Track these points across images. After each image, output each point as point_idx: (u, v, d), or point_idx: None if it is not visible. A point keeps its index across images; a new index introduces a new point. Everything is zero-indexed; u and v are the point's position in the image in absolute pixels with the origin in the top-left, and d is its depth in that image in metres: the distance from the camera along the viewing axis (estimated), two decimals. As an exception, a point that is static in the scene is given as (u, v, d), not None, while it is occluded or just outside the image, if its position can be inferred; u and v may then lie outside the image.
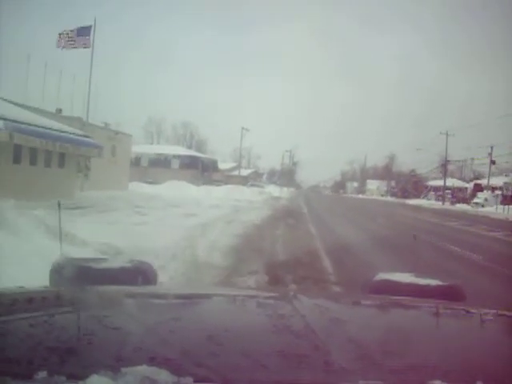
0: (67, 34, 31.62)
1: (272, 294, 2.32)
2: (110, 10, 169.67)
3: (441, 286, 2.19)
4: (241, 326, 1.53)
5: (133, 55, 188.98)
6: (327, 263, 11.82)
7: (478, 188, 78.39)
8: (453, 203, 70.14)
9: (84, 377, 0.95)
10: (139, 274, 2.21)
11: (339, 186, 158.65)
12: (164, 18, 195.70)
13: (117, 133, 37.62)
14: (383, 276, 2.32)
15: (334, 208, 41.86)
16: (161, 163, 67.13)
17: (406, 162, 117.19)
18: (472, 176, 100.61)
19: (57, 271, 2.18)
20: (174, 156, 68.57)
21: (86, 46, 31.34)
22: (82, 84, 32.41)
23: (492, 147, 67.85)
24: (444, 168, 72.11)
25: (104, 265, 2.28)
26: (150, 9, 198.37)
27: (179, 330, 1.45)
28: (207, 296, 2.14)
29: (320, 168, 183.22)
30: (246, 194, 45.43)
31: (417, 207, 55.02)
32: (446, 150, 70.76)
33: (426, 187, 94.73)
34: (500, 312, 1.91)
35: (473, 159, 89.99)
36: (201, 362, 1.11)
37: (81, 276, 2.06)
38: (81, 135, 23.85)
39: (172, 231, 14.04)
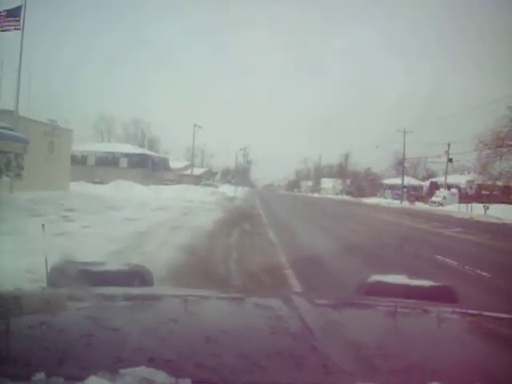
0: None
1: (270, 296, 2.27)
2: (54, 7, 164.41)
3: (434, 288, 2.17)
4: (239, 327, 1.50)
5: (83, 52, 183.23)
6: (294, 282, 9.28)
7: (434, 186, 77.32)
8: (412, 202, 68.29)
9: (82, 378, 0.95)
10: (136, 277, 2.20)
11: (293, 184, 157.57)
12: (106, 11, 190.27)
13: (54, 127, 33.85)
14: (376, 278, 2.27)
15: (291, 208, 38.99)
16: (109, 162, 63.22)
17: (360, 161, 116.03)
18: (425, 174, 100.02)
19: (55, 273, 2.13)
20: (123, 154, 64.58)
21: (16, 28, 27.72)
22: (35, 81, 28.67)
23: (449, 144, 66.28)
24: (402, 166, 70.02)
25: (101, 268, 2.23)
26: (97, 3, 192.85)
27: (178, 331, 1.42)
28: (206, 297, 2.06)
29: (274, 167, 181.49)
30: (198, 194, 42.14)
31: (376, 206, 52.75)
32: (403, 148, 68.96)
33: (382, 186, 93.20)
34: (494, 313, 1.96)
35: (426, 157, 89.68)
36: (199, 363, 1.10)
37: (79, 278, 2.02)
38: (4, 127, 20.18)
39: (97, 244, 10.93)
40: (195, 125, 72.54)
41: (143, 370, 0.97)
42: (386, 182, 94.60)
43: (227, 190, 58.56)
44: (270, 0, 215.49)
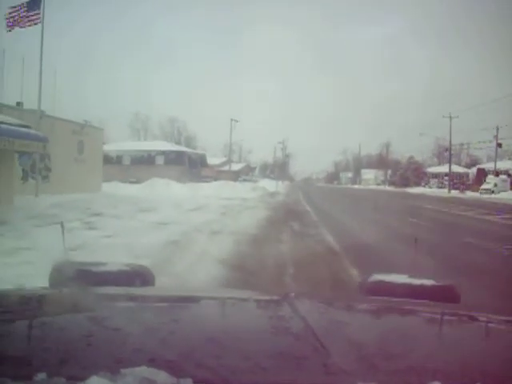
0: (17, 11, 25.67)
1: (271, 296, 2.15)
2: (88, 6, 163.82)
3: (436, 287, 2.12)
4: (240, 327, 1.49)
5: (118, 52, 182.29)
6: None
7: (482, 173, 73.27)
8: (462, 190, 64.42)
9: (83, 378, 0.94)
10: (137, 277, 2.16)
11: (333, 177, 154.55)
12: (149, 13, 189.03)
13: (84, 126, 31.50)
14: (378, 277, 2.20)
15: (338, 202, 35.90)
16: (144, 160, 61.11)
17: (402, 150, 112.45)
18: (469, 161, 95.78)
19: (56, 273, 2.12)
20: (159, 152, 62.29)
21: (36, 22, 25.40)
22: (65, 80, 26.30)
23: (498, 128, 62.33)
24: (449, 153, 65.98)
25: (103, 268, 2.19)
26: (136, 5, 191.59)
27: (179, 331, 1.42)
28: (207, 297, 2.04)
29: (311, 160, 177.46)
30: (238, 190, 39.47)
31: (424, 196, 49.26)
32: (450, 134, 64.75)
33: (425, 174, 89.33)
34: (497, 313, 1.97)
35: (469, 144, 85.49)
36: (200, 364, 1.10)
37: (80, 278, 1.98)
38: (16, 125, 17.65)
39: (115, 261, 8.27)
40: (232, 119, 70.00)
41: (144, 370, 0.96)
42: (430, 170, 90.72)
43: (267, 184, 55.55)
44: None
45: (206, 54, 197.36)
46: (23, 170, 25.64)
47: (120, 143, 69.17)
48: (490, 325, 1.77)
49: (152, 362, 1.04)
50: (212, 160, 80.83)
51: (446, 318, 1.85)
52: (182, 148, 70.55)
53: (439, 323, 1.81)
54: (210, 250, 11.03)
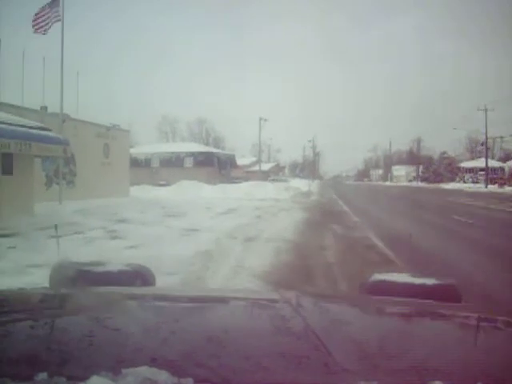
0: (42, 11, 24.55)
1: (272, 296, 2.08)
2: (114, 10, 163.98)
3: (437, 286, 2.09)
4: (241, 327, 1.46)
5: (143, 53, 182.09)
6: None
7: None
8: (501, 185, 61.90)
9: (84, 378, 0.93)
10: (138, 277, 2.17)
11: (363, 174, 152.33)
12: (168, 15, 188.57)
13: (109, 128, 30.31)
14: (379, 276, 2.18)
15: (375, 200, 33.60)
16: (173, 163, 59.77)
17: (431, 146, 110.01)
18: (502, 155, 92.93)
19: (57, 274, 2.14)
20: (187, 154, 60.76)
21: (57, 19, 24.25)
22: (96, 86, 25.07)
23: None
24: (485, 147, 63.33)
25: (103, 268, 2.18)
26: (154, 7, 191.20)
27: (180, 331, 1.38)
28: (208, 297, 2.00)
29: (340, 158, 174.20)
30: (269, 190, 37.88)
31: (464, 193, 47.09)
32: (485, 127, 62.08)
33: (459, 170, 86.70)
34: (498, 312, 1.96)
35: (502, 137, 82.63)
36: (201, 364, 1.08)
37: (80, 279, 2.02)
38: (34, 127, 16.33)
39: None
40: (261, 118, 68.28)
41: (145, 370, 0.95)
42: (463, 165, 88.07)
43: (299, 184, 53.72)
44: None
45: (230, 54, 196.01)
46: (47, 175, 24.55)
47: (148, 146, 68.08)
48: (491, 325, 1.73)
49: (153, 361, 1.03)
50: (241, 160, 79.56)
51: (448, 317, 1.79)
52: (211, 149, 69.07)
53: (440, 323, 1.73)
54: (247, 262, 9.56)
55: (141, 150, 62.55)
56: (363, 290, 2.21)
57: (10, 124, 15.04)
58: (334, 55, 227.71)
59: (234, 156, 72.49)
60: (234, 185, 43.41)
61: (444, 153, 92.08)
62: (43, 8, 24.41)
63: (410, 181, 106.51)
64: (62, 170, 24.84)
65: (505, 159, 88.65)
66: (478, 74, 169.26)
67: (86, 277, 2.06)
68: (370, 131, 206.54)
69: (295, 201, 30.80)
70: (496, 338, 1.57)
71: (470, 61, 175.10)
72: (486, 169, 65.55)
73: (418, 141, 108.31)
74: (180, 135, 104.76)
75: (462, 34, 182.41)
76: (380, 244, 12.56)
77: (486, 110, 61.82)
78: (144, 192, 36.04)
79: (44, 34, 24.05)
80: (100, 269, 2.19)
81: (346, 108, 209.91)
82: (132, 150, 62.87)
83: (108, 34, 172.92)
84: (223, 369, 1.07)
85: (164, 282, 6.39)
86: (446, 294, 2.05)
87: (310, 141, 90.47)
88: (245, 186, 40.48)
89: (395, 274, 2.24)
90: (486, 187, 59.52)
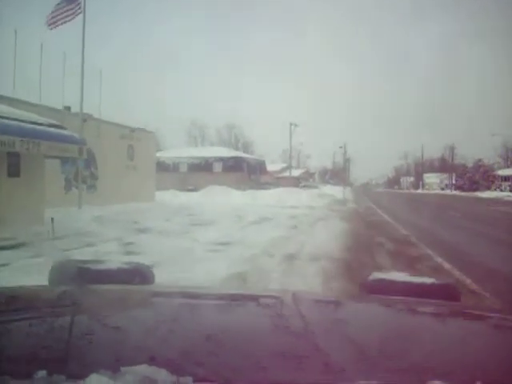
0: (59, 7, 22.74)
1: (271, 294, 2.16)
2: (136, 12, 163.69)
3: (435, 285, 2.07)
4: (240, 326, 1.46)
5: (170, 58, 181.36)
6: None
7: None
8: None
9: (83, 376, 0.92)
10: (137, 275, 2.09)
11: (393, 182, 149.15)
12: (194, 19, 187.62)
13: (133, 129, 28.47)
14: (378, 275, 2.15)
15: (416, 210, 30.80)
16: (202, 167, 57.91)
17: (463, 153, 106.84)
18: None
19: (56, 272, 2.07)
20: (216, 158, 58.85)
21: (78, 13, 22.40)
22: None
23: None
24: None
25: (102, 266, 2.13)
26: (178, 10, 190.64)
27: (179, 329, 1.39)
28: (207, 296, 1.94)
29: (370, 165, 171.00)
30: (302, 197, 35.63)
31: (505, 202, 44.38)
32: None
33: (495, 178, 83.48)
34: (497, 311, 2.14)
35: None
36: (200, 362, 1.08)
37: (79, 277, 1.96)
38: (44, 124, 14.35)
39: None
40: (291, 123, 66.22)
41: (144, 369, 0.94)
42: (500, 173, 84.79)
43: (331, 191, 51.31)
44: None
45: (258, 59, 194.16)
46: (66, 178, 22.74)
47: (176, 150, 66.34)
48: (490, 324, 1.74)
49: (152, 360, 1.02)
50: (271, 166, 77.61)
51: (447, 316, 1.81)
52: (241, 154, 67.07)
53: (439, 322, 1.74)
54: (289, 280, 7.48)
55: (169, 154, 60.90)
56: (362, 289, 2.15)
57: (15, 119, 13.09)
58: (365, 61, 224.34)
59: (263, 161, 70.45)
60: (264, 191, 41.25)
61: (479, 160, 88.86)
62: (60, 3, 22.55)
63: (443, 189, 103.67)
64: (83, 173, 23.05)
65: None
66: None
67: (85, 275, 1.98)
68: (400, 138, 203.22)
69: (331, 209, 28.56)
70: (495, 337, 1.55)
71: (504, 65, 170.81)
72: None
73: (452, 148, 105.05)
74: (209, 140, 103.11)
75: (495, 33, 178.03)
76: (456, 272, 9.79)
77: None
78: (171, 197, 34.31)
79: (55, 28, 22.18)
80: (99, 267, 2.11)
81: (376, 115, 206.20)
82: (159, 154, 61.43)
83: (132, 37, 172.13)
84: (222, 367, 1.07)
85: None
86: (444, 294, 2.01)
87: (341, 147, 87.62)
88: (276, 193, 38.29)
89: (394, 273, 2.20)
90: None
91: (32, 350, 1.15)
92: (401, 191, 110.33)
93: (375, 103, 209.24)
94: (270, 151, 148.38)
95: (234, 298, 1.93)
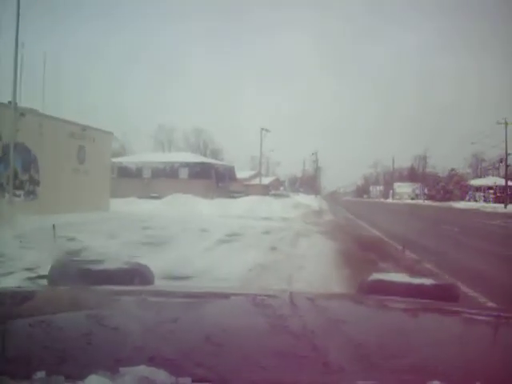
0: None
1: (271, 294, 2.09)
2: (111, 21, 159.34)
3: (435, 286, 2.11)
4: (239, 326, 1.44)
5: (135, 65, 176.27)
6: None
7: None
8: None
9: (82, 377, 0.93)
10: (136, 276, 2.14)
11: (362, 190, 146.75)
12: (167, 22, 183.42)
13: (85, 128, 24.48)
14: (377, 276, 2.20)
15: (401, 222, 27.37)
16: (167, 173, 53.72)
17: (432, 163, 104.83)
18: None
19: (55, 272, 2.09)
20: (182, 164, 54.63)
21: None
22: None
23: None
24: (505, 163, 57.44)
25: (102, 266, 2.17)
26: (150, 18, 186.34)
27: (178, 330, 1.39)
28: (206, 296, 2.00)
29: (337, 173, 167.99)
30: (274, 207, 32.04)
31: (489, 214, 41.51)
32: (505, 142, 56.25)
33: (468, 188, 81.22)
34: (496, 311, 2.14)
35: (509, 154, 77.48)
36: (199, 362, 1.08)
37: (79, 277, 1.98)
38: None
39: None
40: (262, 128, 62.62)
41: (143, 369, 0.94)
42: (473, 183, 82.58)
43: (304, 200, 47.70)
44: None
45: (229, 64, 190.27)
46: (-3, 182, 18.80)
47: (140, 155, 62.34)
48: (489, 324, 1.75)
49: (151, 360, 1.02)
50: (240, 173, 74.02)
51: (446, 317, 1.81)
52: (209, 160, 63.04)
53: (438, 322, 1.73)
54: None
55: (131, 159, 56.90)
56: (361, 290, 2.16)
57: None
58: (336, 69, 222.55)
59: (233, 168, 66.43)
60: (233, 200, 37.52)
61: (452, 170, 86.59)
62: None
63: (413, 198, 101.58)
64: (20, 177, 19.24)
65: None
66: (483, 88, 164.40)
67: (84, 275, 1.99)
68: (370, 147, 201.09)
69: (308, 221, 25.04)
70: (494, 337, 1.55)
71: (473, 75, 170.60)
72: (505, 187, 59.81)
73: (424, 157, 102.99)
74: (176, 145, 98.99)
75: (464, 47, 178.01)
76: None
77: (506, 124, 56.26)
78: (130, 206, 30.36)
79: None
80: (98, 267, 2.12)
81: (345, 123, 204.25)
82: (122, 159, 57.58)
83: (102, 41, 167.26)
84: (221, 368, 1.06)
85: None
86: (443, 294, 2.02)
87: (313, 154, 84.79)
88: (246, 202, 34.61)
89: (393, 274, 2.29)
90: (506, 207, 53.78)
91: (31, 351, 1.13)
92: (371, 200, 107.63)
93: (344, 113, 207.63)
94: (238, 158, 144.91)
95: (233, 299, 1.93)
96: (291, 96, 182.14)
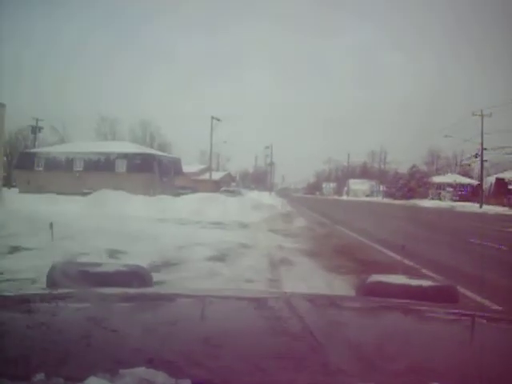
0: None
1: (269, 296, 2.13)
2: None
3: (434, 287, 2.07)
4: (238, 327, 1.44)
5: (79, 52, 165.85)
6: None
7: (502, 184, 60.40)
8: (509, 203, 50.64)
9: (82, 379, 0.92)
10: (135, 278, 2.08)
11: (314, 187, 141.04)
12: (110, 9, 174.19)
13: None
14: (376, 278, 2.13)
15: (387, 227, 20.81)
16: (102, 166, 46.12)
17: (388, 159, 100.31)
18: (461, 171, 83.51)
19: (54, 274, 2.05)
20: (120, 155, 47.02)
21: None
22: None
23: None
24: (480, 159, 51.82)
25: (100, 268, 2.13)
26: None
27: (177, 331, 1.38)
28: (204, 298, 1.94)
29: (288, 169, 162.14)
30: (229, 208, 24.84)
31: (467, 214, 35.77)
32: (481, 136, 50.52)
33: (430, 185, 76.12)
34: (495, 313, 2.09)
35: (462, 153, 73.45)
36: (199, 364, 1.08)
37: (77, 279, 1.97)
38: None
39: None
40: (213, 117, 55.41)
41: (143, 371, 0.93)
42: (436, 180, 77.48)
43: (261, 197, 40.13)
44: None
45: (182, 54, 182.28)
46: None
47: (71, 144, 54.23)
48: (488, 325, 1.73)
49: (150, 362, 1.01)
50: (188, 168, 66.87)
51: (445, 318, 1.78)
52: (150, 150, 54.79)
53: (438, 324, 1.72)
54: None
55: (61, 148, 48.94)
56: (360, 291, 2.14)
57: None
58: (293, 63, 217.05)
59: (179, 160, 58.79)
60: (178, 198, 30.22)
61: (414, 166, 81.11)
62: None
63: (368, 195, 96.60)
64: None
65: (464, 175, 79.70)
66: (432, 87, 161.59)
67: (83, 277, 1.98)
68: (323, 143, 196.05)
69: (277, 229, 18.16)
70: (493, 338, 1.52)
71: (426, 72, 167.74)
72: (480, 185, 54.40)
73: (384, 152, 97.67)
74: (120, 138, 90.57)
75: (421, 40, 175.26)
76: None
77: (482, 115, 50.65)
78: (45, 204, 23.20)
79: None
80: (97, 269, 2.11)
81: (297, 119, 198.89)
82: (50, 149, 49.79)
83: (40, 28, 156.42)
84: (221, 370, 1.06)
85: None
86: (443, 296, 1.99)
87: (267, 147, 78.05)
88: (193, 200, 27.24)
89: (392, 276, 2.17)
90: (481, 207, 48.31)
91: (30, 353, 1.12)
92: (327, 198, 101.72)
93: (297, 109, 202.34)
94: (188, 152, 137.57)
95: (232, 301, 1.89)
96: (243, 89, 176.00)
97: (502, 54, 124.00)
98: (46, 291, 1.95)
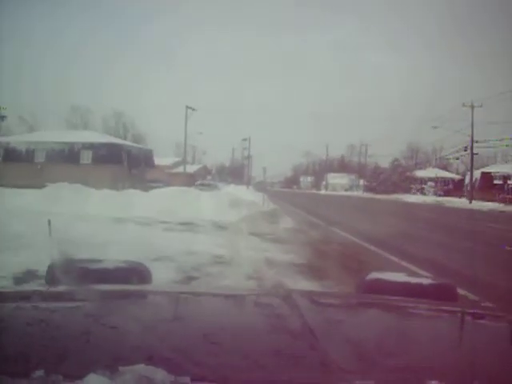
0: None
1: (269, 293, 2.09)
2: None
3: (433, 285, 2.06)
4: (238, 324, 1.44)
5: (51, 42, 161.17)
6: None
7: (488, 178, 57.94)
8: (504, 200, 47.85)
9: (81, 376, 0.92)
10: (134, 274, 2.07)
11: (291, 181, 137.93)
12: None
13: None
14: (376, 275, 2.13)
15: (392, 228, 17.79)
16: (65, 157, 42.45)
17: (367, 152, 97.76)
18: (440, 165, 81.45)
19: (53, 271, 2.06)
20: (85, 145, 43.39)
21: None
22: None
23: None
24: (470, 152, 49.00)
25: (100, 265, 2.12)
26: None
27: (177, 328, 1.38)
28: (204, 295, 1.98)
29: (264, 163, 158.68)
30: (204, 204, 21.53)
31: (465, 211, 33.01)
32: (471, 128, 47.80)
33: (413, 179, 73.58)
34: (494, 311, 2.05)
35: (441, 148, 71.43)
36: (198, 361, 1.07)
37: (77, 276, 1.91)
38: None
39: None
40: (188, 107, 51.82)
41: (142, 368, 0.93)
42: (419, 174, 74.98)
43: (238, 192, 36.87)
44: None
45: (157, 45, 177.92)
46: None
47: (32, 133, 50.27)
48: (487, 323, 1.71)
49: (150, 359, 1.01)
50: (161, 160, 63.25)
51: (444, 316, 1.78)
52: (118, 140, 50.76)
53: (437, 321, 1.70)
54: None
55: (21, 138, 45.08)
56: (360, 289, 2.12)
57: None
58: (271, 54, 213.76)
59: (150, 152, 55.32)
60: (147, 192, 26.70)
61: (396, 160, 78.40)
62: None
63: (346, 190, 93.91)
64: None
65: (443, 168, 77.80)
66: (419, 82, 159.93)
67: (82, 274, 1.94)
68: (302, 137, 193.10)
69: (259, 232, 14.83)
70: (492, 336, 1.51)
71: (407, 66, 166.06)
72: (470, 179, 51.66)
73: (365, 145, 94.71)
74: (92, 129, 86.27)
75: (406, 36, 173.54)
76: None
77: (472, 107, 47.83)
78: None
79: None
80: (97, 266, 2.09)
81: (275, 112, 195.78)
82: (9, 139, 45.84)
83: (15, 20, 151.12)
84: (220, 367, 1.05)
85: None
86: (442, 294, 1.97)
87: (245, 139, 74.48)
88: (164, 195, 23.76)
89: (392, 273, 2.14)
90: (471, 202, 45.64)
91: (29, 350, 1.12)
92: (305, 192, 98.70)
93: (278, 100, 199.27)
94: (163, 145, 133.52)
95: (232, 298, 1.88)
96: (223, 82, 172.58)
97: (489, 46, 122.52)
98: (46, 288, 1.95)
